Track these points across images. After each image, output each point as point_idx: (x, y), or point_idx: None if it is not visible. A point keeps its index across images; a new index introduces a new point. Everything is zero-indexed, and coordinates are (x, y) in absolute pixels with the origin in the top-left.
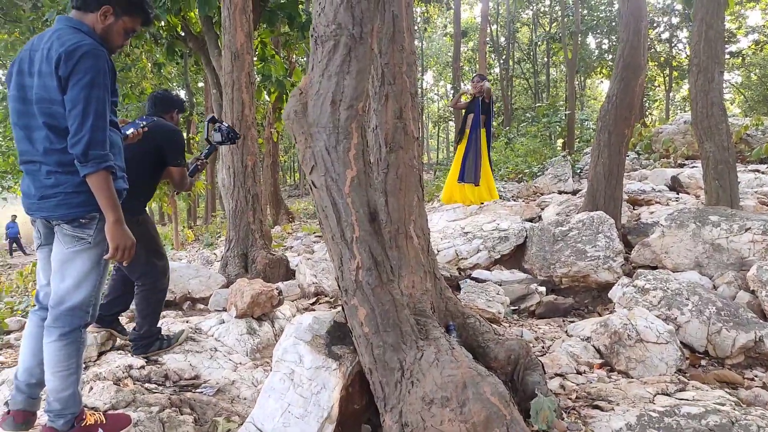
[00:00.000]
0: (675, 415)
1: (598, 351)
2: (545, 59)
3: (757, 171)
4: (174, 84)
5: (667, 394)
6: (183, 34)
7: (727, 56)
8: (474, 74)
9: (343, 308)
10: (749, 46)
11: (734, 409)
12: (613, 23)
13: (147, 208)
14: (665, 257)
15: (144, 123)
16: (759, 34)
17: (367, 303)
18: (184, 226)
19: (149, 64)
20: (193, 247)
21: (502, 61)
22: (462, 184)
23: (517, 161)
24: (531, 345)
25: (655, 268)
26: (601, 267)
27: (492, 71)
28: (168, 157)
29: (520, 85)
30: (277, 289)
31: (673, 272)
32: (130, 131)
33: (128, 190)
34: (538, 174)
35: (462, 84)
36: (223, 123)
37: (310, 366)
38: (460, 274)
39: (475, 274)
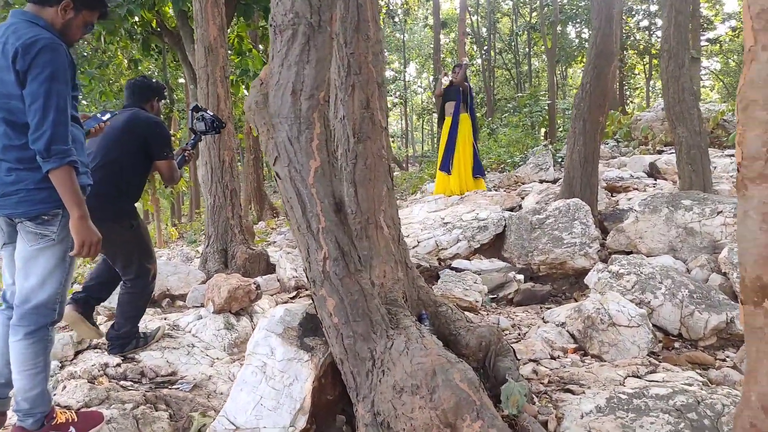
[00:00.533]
0: (643, 397)
1: (573, 336)
2: (527, 49)
3: (734, 156)
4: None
5: (638, 377)
6: (158, 29)
7: (705, 43)
8: (454, 65)
9: (312, 299)
10: (726, 33)
11: (701, 389)
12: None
13: None
14: (640, 242)
15: (106, 117)
16: (736, 21)
17: (336, 293)
18: (167, 224)
19: (125, 61)
20: (177, 245)
21: (483, 52)
22: (442, 173)
23: (500, 152)
24: (507, 332)
25: (630, 253)
26: (577, 253)
27: (474, 62)
28: (154, 150)
29: (503, 76)
30: (254, 284)
31: (648, 257)
32: (92, 126)
33: (120, 192)
34: (520, 164)
35: (443, 75)
36: (207, 111)
37: (281, 358)
38: (439, 264)
39: (455, 263)
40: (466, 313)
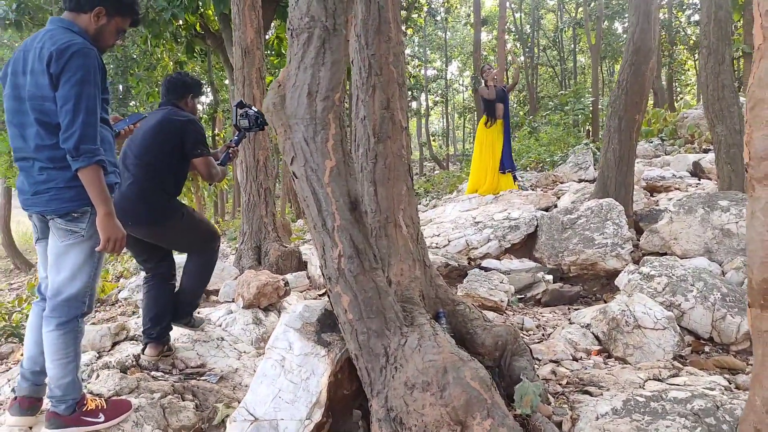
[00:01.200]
0: (661, 400)
1: (597, 338)
2: (572, 46)
3: None
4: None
5: (659, 380)
6: (202, 32)
7: None
8: (483, 66)
9: (328, 296)
10: None
11: (722, 394)
12: None
13: None
14: (674, 243)
15: (137, 119)
16: None
17: (350, 290)
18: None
19: (171, 63)
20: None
21: (527, 49)
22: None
23: (540, 150)
24: (531, 332)
25: (664, 254)
26: (608, 254)
27: (518, 59)
28: (188, 148)
29: (547, 73)
30: (283, 280)
31: (682, 258)
32: (122, 128)
33: (160, 194)
34: (560, 163)
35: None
36: (251, 107)
37: (299, 353)
38: (469, 263)
39: (485, 263)
40: (491, 312)
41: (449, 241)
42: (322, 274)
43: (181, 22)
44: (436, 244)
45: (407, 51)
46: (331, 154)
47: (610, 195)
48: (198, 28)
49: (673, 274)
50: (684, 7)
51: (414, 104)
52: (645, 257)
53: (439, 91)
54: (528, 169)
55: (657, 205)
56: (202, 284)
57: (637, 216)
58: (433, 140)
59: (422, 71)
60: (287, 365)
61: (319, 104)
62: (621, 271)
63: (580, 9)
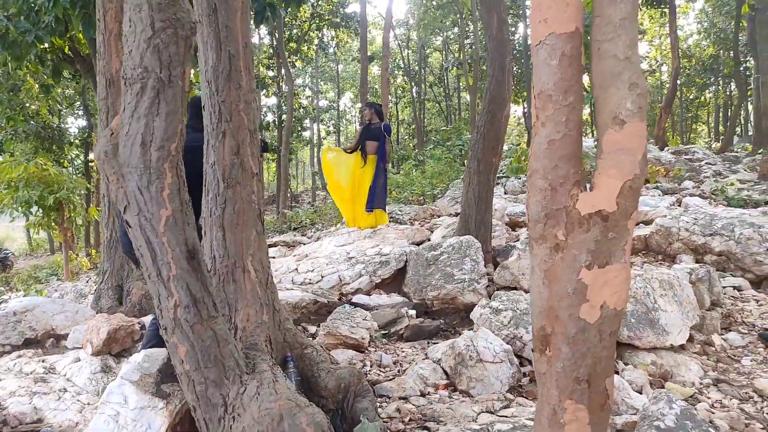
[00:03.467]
0: None
1: (446, 372)
2: (456, 84)
3: None
4: (75, 105)
5: (491, 412)
6: (71, 55)
7: None
8: (365, 103)
9: (166, 347)
10: None
11: None
12: (516, 53)
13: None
14: (522, 278)
15: None
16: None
17: (187, 340)
18: (77, 254)
19: (36, 86)
20: (89, 276)
21: (414, 85)
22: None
23: (423, 183)
24: (388, 369)
25: (515, 288)
26: (466, 289)
27: (406, 94)
28: None
29: (434, 108)
30: (139, 323)
31: (528, 293)
32: None
33: None
34: (440, 196)
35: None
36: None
37: (134, 406)
38: (341, 299)
39: (355, 299)
40: (351, 351)
41: (322, 277)
42: (159, 324)
43: (46, 45)
44: (310, 279)
45: (298, 81)
46: (166, 203)
47: (471, 232)
48: (66, 50)
49: (518, 308)
50: None
51: (306, 134)
52: (496, 292)
53: (332, 122)
54: (410, 202)
55: (517, 240)
56: None
57: (495, 251)
58: None
59: (314, 101)
60: (121, 420)
61: (153, 154)
62: (477, 304)
63: (462, 51)
